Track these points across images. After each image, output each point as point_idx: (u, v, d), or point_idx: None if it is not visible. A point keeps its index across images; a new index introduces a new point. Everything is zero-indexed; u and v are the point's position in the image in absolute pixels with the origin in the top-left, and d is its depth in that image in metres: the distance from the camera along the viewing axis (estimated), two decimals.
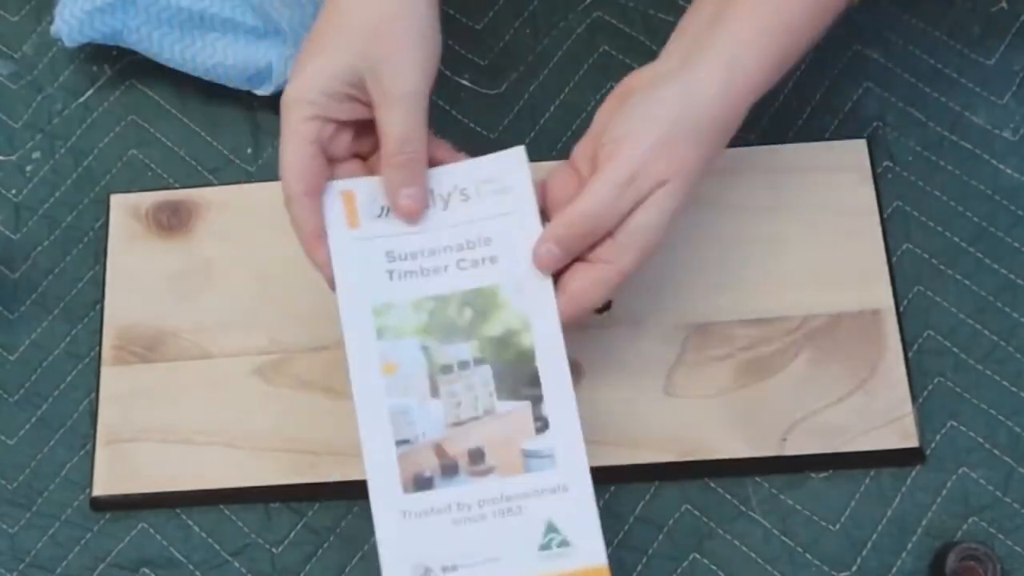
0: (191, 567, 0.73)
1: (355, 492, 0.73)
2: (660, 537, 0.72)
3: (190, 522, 0.74)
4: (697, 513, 0.73)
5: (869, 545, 0.71)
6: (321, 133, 0.68)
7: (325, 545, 0.74)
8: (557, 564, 0.64)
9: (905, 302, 0.76)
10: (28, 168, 0.84)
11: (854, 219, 0.77)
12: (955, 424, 0.73)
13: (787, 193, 0.78)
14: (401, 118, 0.67)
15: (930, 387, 0.74)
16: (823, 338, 0.74)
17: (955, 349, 0.75)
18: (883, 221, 0.77)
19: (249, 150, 0.83)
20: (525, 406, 0.66)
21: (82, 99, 0.85)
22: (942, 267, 0.77)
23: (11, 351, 0.79)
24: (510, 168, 0.69)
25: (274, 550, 0.74)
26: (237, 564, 0.73)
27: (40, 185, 0.83)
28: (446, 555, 0.64)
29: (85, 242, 0.82)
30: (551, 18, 0.85)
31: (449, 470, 0.65)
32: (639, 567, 0.72)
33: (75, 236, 0.82)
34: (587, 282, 0.66)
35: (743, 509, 0.72)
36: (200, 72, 0.83)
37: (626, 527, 0.72)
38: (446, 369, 0.67)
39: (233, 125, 0.84)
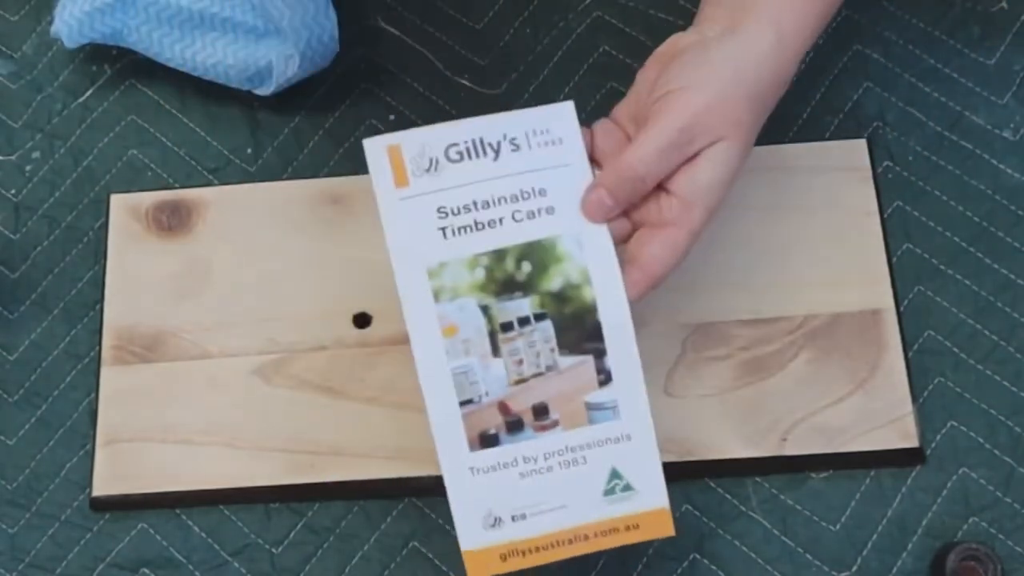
0: (191, 567, 0.73)
1: (355, 492, 0.74)
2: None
3: (190, 522, 0.74)
4: (697, 513, 0.73)
5: (869, 545, 0.71)
6: None
7: (325, 545, 0.74)
8: (620, 508, 0.65)
9: (905, 302, 0.76)
10: (28, 168, 0.84)
11: (854, 219, 0.77)
12: (955, 424, 0.73)
13: (787, 193, 0.78)
14: None
15: (930, 387, 0.74)
16: (823, 338, 0.74)
17: (955, 349, 0.75)
18: (883, 221, 0.77)
19: (249, 150, 0.83)
20: (588, 360, 0.66)
21: (82, 99, 0.85)
22: (942, 267, 0.77)
23: (11, 351, 0.79)
24: (560, 121, 0.68)
25: (274, 550, 0.74)
26: (237, 564, 0.73)
27: (40, 185, 0.83)
28: (514, 505, 0.65)
29: (85, 242, 0.81)
30: (551, 18, 0.85)
31: (514, 427, 0.66)
32: (639, 567, 0.72)
33: (75, 236, 0.82)
34: (657, 247, 0.65)
35: (743, 509, 0.72)
36: (200, 72, 0.83)
37: None
38: (506, 327, 0.66)
39: (233, 125, 0.84)
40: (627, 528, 0.66)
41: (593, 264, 0.66)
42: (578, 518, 0.65)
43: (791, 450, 0.72)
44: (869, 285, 0.75)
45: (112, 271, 0.80)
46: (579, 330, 0.66)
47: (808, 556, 0.71)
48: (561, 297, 0.66)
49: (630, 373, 0.66)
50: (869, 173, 0.78)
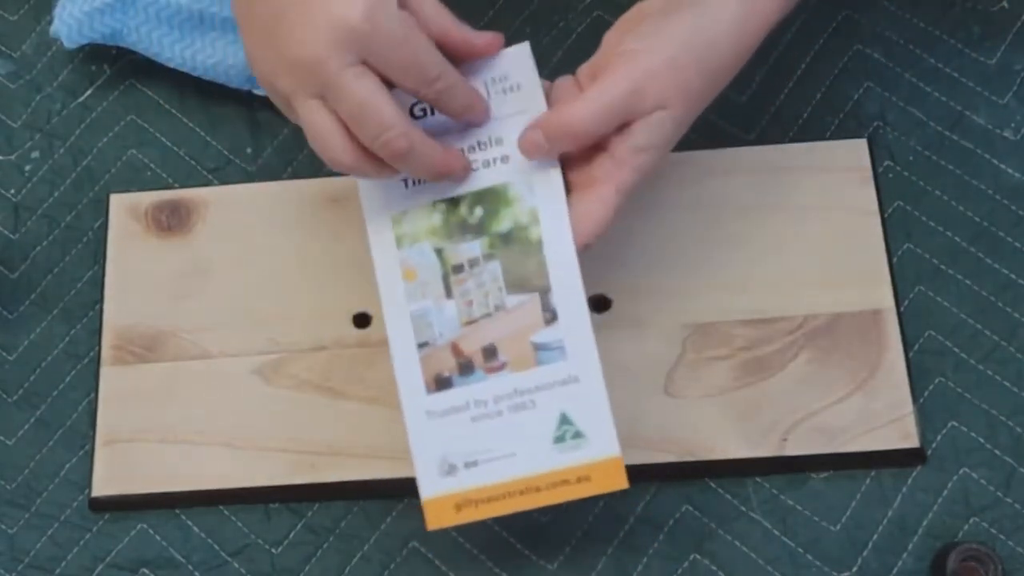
0: (190, 567, 0.73)
1: (355, 492, 0.74)
2: (660, 537, 0.72)
3: (190, 522, 0.74)
4: (697, 513, 0.73)
5: (870, 546, 0.71)
6: None
7: (325, 545, 0.74)
8: (571, 456, 0.65)
9: (905, 302, 0.76)
10: (27, 168, 0.84)
11: (854, 219, 0.77)
12: (956, 424, 0.73)
13: (787, 193, 0.78)
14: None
15: (931, 387, 0.74)
16: (823, 338, 0.74)
17: (956, 349, 0.75)
18: (883, 221, 0.77)
19: (249, 150, 0.83)
20: (534, 298, 0.67)
21: (81, 99, 0.85)
22: (943, 267, 0.77)
23: (10, 351, 0.79)
24: (518, 65, 0.69)
25: (274, 550, 0.74)
26: (237, 564, 0.73)
27: (39, 185, 0.83)
28: (467, 451, 0.66)
29: (84, 242, 0.81)
30: (551, 18, 0.85)
31: (465, 368, 0.67)
32: (639, 567, 0.72)
33: (74, 236, 0.82)
34: (586, 204, 0.66)
35: (743, 509, 0.72)
36: (200, 72, 0.83)
37: (626, 527, 0.72)
38: (457, 268, 0.68)
39: (233, 125, 0.84)
40: (578, 480, 0.65)
41: (543, 204, 0.67)
42: (528, 467, 0.65)
43: (791, 450, 0.72)
44: (869, 285, 0.75)
45: (112, 271, 0.80)
46: (525, 268, 0.67)
47: (808, 556, 0.71)
48: (509, 238, 0.67)
49: (575, 311, 0.66)
50: (869, 173, 0.78)
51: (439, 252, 0.68)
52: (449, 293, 0.68)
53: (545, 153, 0.67)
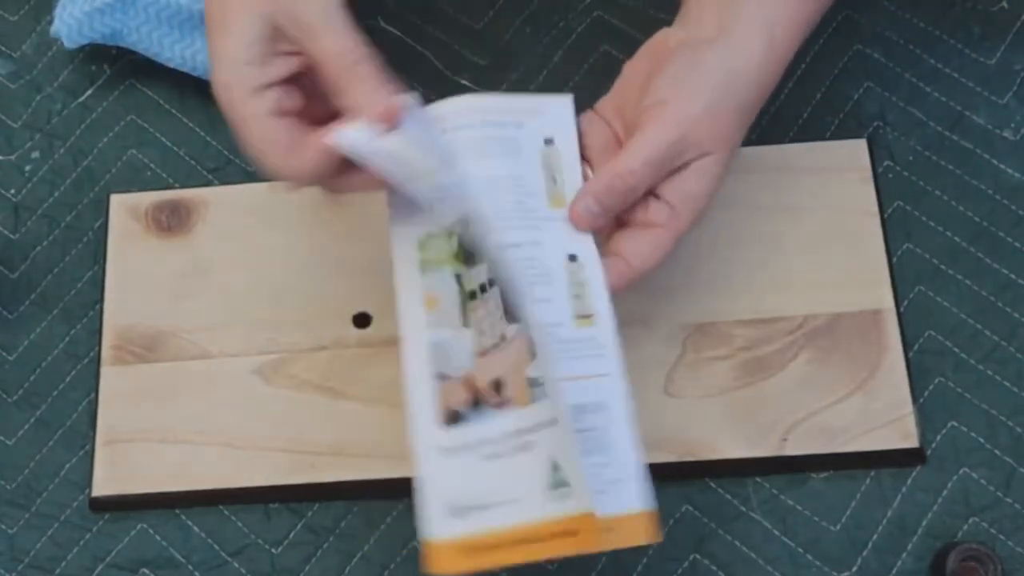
0: (190, 567, 0.73)
1: (355, 492, 0.74)
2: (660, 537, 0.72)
3: (190, 522, 0.74)
4: (697, 513, 0.73)
5: (870, 545, 0.71)
6: (280, 102, 0.65)
7: (325, 545, 0.74)
8: (562, 507, 0.59)
9: (905, 302, 0.76)
10: (27, 168, 0.84)
11: (854, 219, 0.77)
12: (956, 424, 0.73)
13: (787, 193, 0.78)
14: (335, 36, 0.63)
15: (931, 387, 0.74)
16: (823, 338, 0.74)
17: (955, 349, 0.75)
18: (883, 221, 0.77)
19: None
20: (523, 328, 0.62)
21: (81, 99, 0.85)
22: (942, 267, 0.77)
23: (10, 351, 0.79)
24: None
25: (274, 550, 0.74)
26: (237, 564, 0.73)
27: (39, 185, 0.83)
28: (475, 494, 0.61)
29: (84, 242, 0.81)
30: (551, 18, 0.85)
31: (476, 403, 0.63)
32: (639, 567, 0.72)
33: (74, 236, 0.82)
34: (643, 245, 0.66)
35: (743, 509, 0.72)
36: (200, 72, 0.83)
37: None
38: (473, 295, 0.64)
39: None
40: (567, 533, 0.58)
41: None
42: (529, 514, 0.59)
43: (791, 450, 0.72)
44: (869, 285, 0.75)
45: (112, 271, 0.80)
46: (513, 294, 0.63)
47: (808, 556, 0.71)
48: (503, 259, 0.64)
49: (545, 344, 0.61)
50: (869, 173, 0.78)
51: (458, 278, 0.65)
52: (466, 322, 0.64)
53: (596, 217, 0.65)
